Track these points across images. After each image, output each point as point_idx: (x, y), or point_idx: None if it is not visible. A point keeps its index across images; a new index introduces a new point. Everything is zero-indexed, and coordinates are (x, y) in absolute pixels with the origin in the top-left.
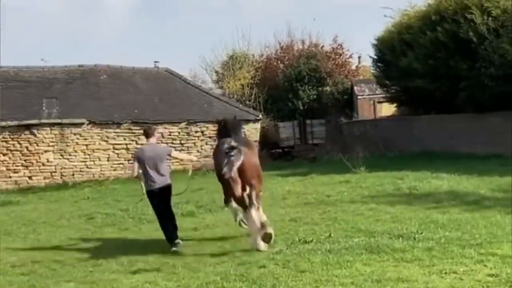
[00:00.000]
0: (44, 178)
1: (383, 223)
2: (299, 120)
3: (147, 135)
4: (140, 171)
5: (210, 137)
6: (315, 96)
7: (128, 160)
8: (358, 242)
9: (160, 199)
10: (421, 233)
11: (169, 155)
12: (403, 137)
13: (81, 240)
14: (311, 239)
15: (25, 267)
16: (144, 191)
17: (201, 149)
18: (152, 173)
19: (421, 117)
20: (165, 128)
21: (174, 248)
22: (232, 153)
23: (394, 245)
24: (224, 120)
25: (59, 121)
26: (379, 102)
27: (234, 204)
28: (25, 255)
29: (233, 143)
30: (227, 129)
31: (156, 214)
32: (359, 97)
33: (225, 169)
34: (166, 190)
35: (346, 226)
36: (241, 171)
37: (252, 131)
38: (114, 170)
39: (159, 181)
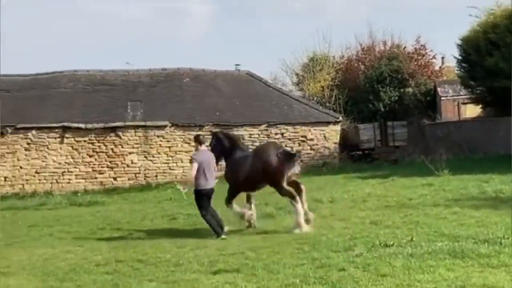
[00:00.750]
0: (129, 179)
1: (467, 228)
2: (380, 122)
3: (200, 141)
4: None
5: (290, 139)
6: (396, 98)
7: None
8: (441, 246)
9: (208, 198)
10: (508, 238)
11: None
12: (488, 139)
13: (163, 239)
14: (392, 242)
15: (109, 266)
16: (193, 190)
17: None
18: (208, 175)
19: (507, 118)
20: (245, 130)
21: (223, 236)
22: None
23: (479, 250)
24: (228, 133)
25: (143, 123)
26: (464, 103)
27: (235, 205)
28: (109, 255)
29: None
30: (235, 140)
31: (204, 210)
32: (442, 98)
33: (299, 168)
34: (213, 191)
35: (429, 230)
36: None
37: (331, 133)
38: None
39: (211, 183)
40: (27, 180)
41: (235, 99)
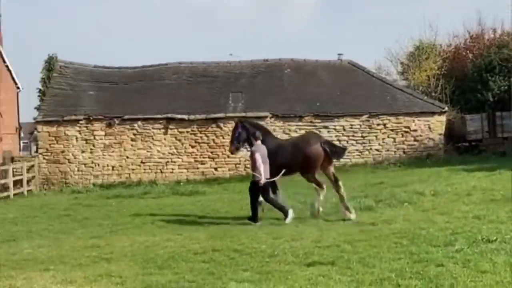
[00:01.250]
0: (229, 169)
1: None
2: (488, 112)
3: (257, 138)
4: None
5: (392, 130)
6: (506, 87)
7: None
8: None
9: (259, 188)
10: None
11: None
12: None
13: (259, 230)
14: (495, 238)
15: (206, 255)
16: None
17: (383, 142)
18: (264, 168)
19: None
20: (346, 120)
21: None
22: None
23: None
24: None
25: (243, 114)
26: None
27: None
28: (207, 244)
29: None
30: (263, 128)
31: (256, 199)
32: None
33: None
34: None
35: None
36: None
37: (437, 124)
38: None
39: (265, 175)
40: (133, 169)
41: (336, 89)
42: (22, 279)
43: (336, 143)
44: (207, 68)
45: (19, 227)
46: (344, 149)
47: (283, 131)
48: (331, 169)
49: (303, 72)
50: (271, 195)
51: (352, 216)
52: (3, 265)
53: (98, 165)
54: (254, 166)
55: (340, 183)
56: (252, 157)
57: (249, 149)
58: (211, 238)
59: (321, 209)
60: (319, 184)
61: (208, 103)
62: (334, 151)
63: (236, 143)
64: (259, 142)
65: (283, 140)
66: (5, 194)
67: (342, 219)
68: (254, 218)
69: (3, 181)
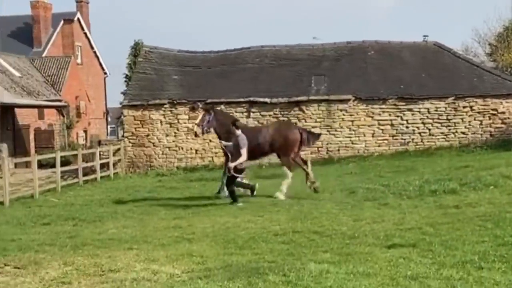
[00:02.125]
0: (311, 153)
1: None
2: None
3: (238, 127)
4: None
5: (479, 112)
6: None
7: (393, 136)
8: None
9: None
10: None
11: None
12: None
13: (340, 213)
14: None
15: (286, 236)
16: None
17: (469, 125)
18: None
19: None
20: (431, 103)
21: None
22: None
23: None
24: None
25: (326, 97)
26: None
27: None
28: (287, 225)
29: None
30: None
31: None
32: None
33: None
34: None
35: None
36: None
37: None
38: (379, 146)
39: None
40: (215, 153)
41: (421, 71)
42: (107, 257)
43: (421, 126)
44: (290, 51)
45: (104, 208)
46: (319, 135)
47: (366, 114)
48: (300, 152)
49: (387, 54)
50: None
51: (281, 196)
52: (89, 244)
53: (182, 148)
54: (237, 155)
55: (309, 163)
56: (238, 145)
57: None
58: (292, 220)
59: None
60: (290, 167)
61: (290, 86)
62: (310, 137)
63: (204, 127)
64: (239, 131)
65: (259, 127)
66: (92, 176)
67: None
68: (235, 200)
69: (90, 164)
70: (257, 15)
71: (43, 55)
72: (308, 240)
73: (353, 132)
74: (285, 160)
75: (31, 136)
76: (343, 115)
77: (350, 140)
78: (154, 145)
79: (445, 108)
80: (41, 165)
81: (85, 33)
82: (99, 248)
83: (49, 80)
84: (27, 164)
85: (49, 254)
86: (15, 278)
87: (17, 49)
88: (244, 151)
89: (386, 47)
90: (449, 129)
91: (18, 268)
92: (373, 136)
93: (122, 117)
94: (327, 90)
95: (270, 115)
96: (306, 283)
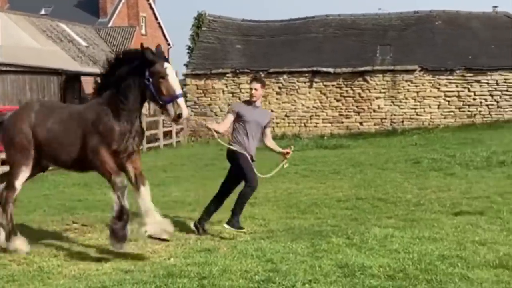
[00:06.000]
0: (374, 124)
1: None
2: None
3: None
4: None
5: None
6: None
7: (460, 108)
8: None
9: None
10: None
11: None
12: None
13: (405, 182)
14: None
15: (349, 202)
16: None
17: None
18: None
19: None
20: (500, 75)
21: None
22: None
23: None
24: None
25: (391, 67)
26: None
27: None
28: (350, 192)
29: None
30: None
31: None
32: None
33: None
34: None
35: None
36: None
37: None
38: (445, 118)
39: None
40: (277, 123)
41: (491, 42)
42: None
43: (489, 98)
44: (355, 20)
45: (167, 174)
46: None
47: (432, 85)
48: None
49: (455, 24)
50: None
51: None
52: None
53: None
54: None
55: None
56: None
57: None
58: (355, 187)
59: None
60: None
61: (355, 56)
62: None
63: None
64: None
65: None
66: (156, 144)
67: None
68: None
69: (153, 132)
70: None
71: (109, 25)
72: (371, 206)
73: (418, 104)
74: None
75: None
76: (409, 86)
77: (415, 112)
78: (216, 115)
79: None
80: None
81: (149, 4)
82: (163, 210)
83: (115, 50)
84: None
85: None
86: (83, 235)
87: (84, 19)
88: None
89: (454, 17)
90: None
91: (86, 225)
92: (438, 108)
93: (185, 88)
94: (392, 60)
95: (333, 85)
96: (370, 246)
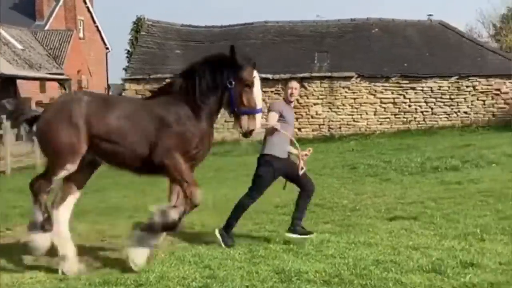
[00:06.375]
0: (312, 130)
1: None
2: None
3: None
4: None
5: (482, 92)
6: None
7: (395, 115)
8: None
9: None
10: None
11: None
12: None
13: (342, 187)
14: None
15: (287, 208)
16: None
17: (472, 104)
18: None
19: None
20: (434, 82)
21: None
22: None
23: None
24: None
25: (329, 74)
26: None
27: None
28: (288, 198)
29: None
30: None
31: None
32: None
33: None
34: None
35: None
36: None
37: None
38: (380, 124)
39: None
40: (217, 128)
41: (425, 50)
42: (108, 224)
43: (423, 105)
44: (293, 27)
45: (107, 180)
46: None
47: (369, 91)
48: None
49: (391, 32)
50: None
51: None
52: (91, 212)
53: None
54: None
55: None
56: None
57: None
58: (292, 193)
59: None
60: None
61: (293, 63)
62: None
63: None
64: None
65: None
66: None
67: None
68: None
69: None
70: None
71: (46, 28)
72: (309, 211)
73: (355, 110)
74: None
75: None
76: (346, 92)
77: (352, 118)
78: None
79: (448, 87)
80: None
81: (87, 7)
82: (100, 216)
83: (51, 53)
84: None
85: None
86: (18, 243)
87: (20, 21)
88: None
89: (390, 25)
90: (452, 109)
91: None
92: (375, 114)
93: (123, 93)
94: (330, 67)
95: (272, 91)
96: (307, 251)
